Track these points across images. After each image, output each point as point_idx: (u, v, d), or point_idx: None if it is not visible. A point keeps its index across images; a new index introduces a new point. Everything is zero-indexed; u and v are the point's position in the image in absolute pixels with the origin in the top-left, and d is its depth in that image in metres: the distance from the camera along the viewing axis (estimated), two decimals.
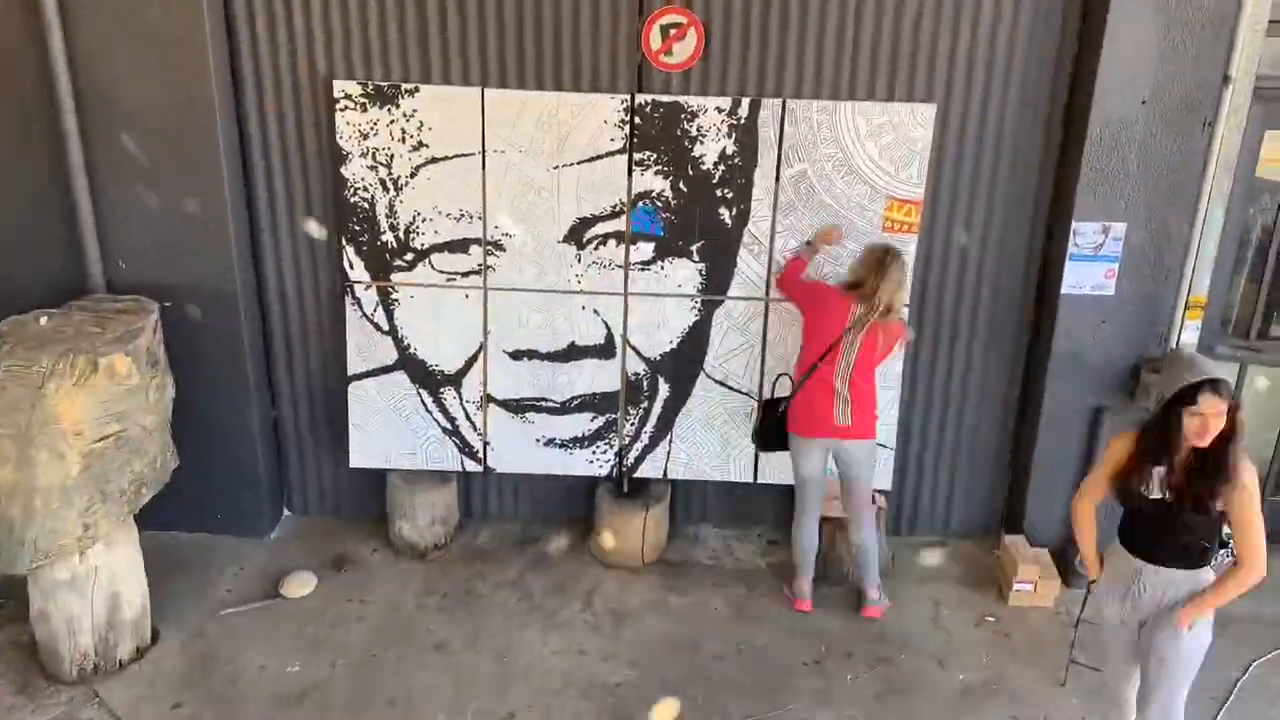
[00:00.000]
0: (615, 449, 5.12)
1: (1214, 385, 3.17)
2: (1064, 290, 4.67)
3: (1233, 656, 4.51)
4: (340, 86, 4.63)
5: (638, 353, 4.97)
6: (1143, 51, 4.34)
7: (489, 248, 4.81)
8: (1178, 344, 4.75)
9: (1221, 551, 3.37)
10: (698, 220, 4.77)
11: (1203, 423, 3.17)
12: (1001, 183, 4.73)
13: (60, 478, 3.87)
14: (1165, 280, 4.67)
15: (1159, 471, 3.28)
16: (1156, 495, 3.31)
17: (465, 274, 4.85)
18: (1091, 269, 4.64)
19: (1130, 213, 4.56)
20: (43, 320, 4.17)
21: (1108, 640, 3.65)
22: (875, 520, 4.82)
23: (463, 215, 4.78)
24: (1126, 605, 3.49)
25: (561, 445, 5.11)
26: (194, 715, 4.08)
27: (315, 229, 4.70)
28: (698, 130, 4.63)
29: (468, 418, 5.07)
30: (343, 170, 4.73)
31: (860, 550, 4.69)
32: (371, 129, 4.67)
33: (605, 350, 4.96)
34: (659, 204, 4.75)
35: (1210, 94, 4.39)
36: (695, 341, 4.95)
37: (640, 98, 4.60)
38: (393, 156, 4.70)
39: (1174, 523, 3.31)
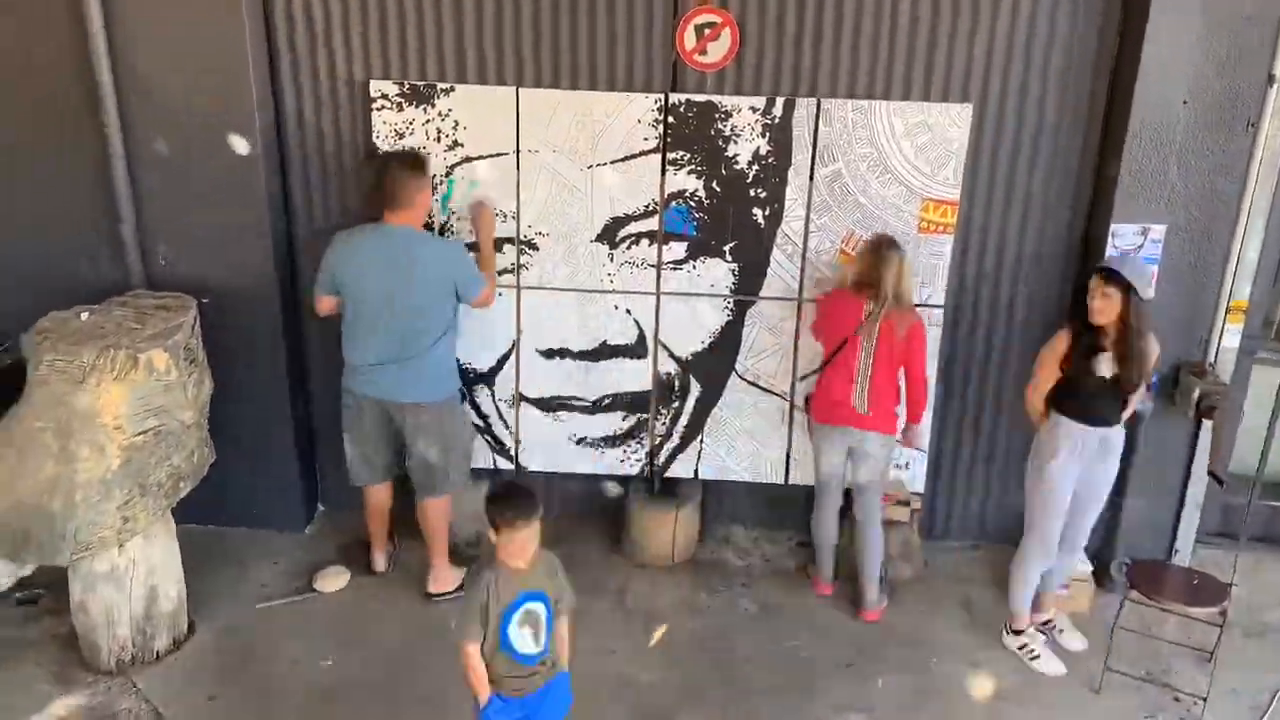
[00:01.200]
0: (646, 448, 5.12)
1: (1100, 271, 4.02)
2: None
3: (1273, 664, 4.44)
4: (377, 86, 4.66)
5: (669, 352, 4.97)
6: (1184, 51, 4.28)
7: (522, 247, 4.83)
8: (1218, 348, 4.68)
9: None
10: (731, 220, 4.76)
11: (1096, 304, 3.98)
12: (1039, 184, 4.68)
13: (100, 471, 3.92)
14: (1205, 283, 4.60)
15: (1105, 356, 4.02)
16: (1105, 374, 4.04)
17: (499, 273, 4.87)
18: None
19: (1170, 214, 4.50)
20: (83, 316, 4.23)
21: (1052, 500, 4.25)
22: (911, 523, 4.81)
23: (497, 214, 4.80)
24: (1076, 463, 4.19)
25: (593, 444, 5.12)
26: (228, 708, 4.13)
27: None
28: (731, 130, 4.63)
29: (500, 416, 5.09)
30: None
31: (864, 550, 4.66)
32: (407, 128, 4.70)
33: (637, 350, 4.97)
34: (692, 204, 4.75)
35: (1254, 94, 4.33)
36: (727, 341, 4.94)
37: (674, 97, 4.60)
38: (428, 155, 4.73)
39: (1116, 391, 4.09)
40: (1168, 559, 4.95)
